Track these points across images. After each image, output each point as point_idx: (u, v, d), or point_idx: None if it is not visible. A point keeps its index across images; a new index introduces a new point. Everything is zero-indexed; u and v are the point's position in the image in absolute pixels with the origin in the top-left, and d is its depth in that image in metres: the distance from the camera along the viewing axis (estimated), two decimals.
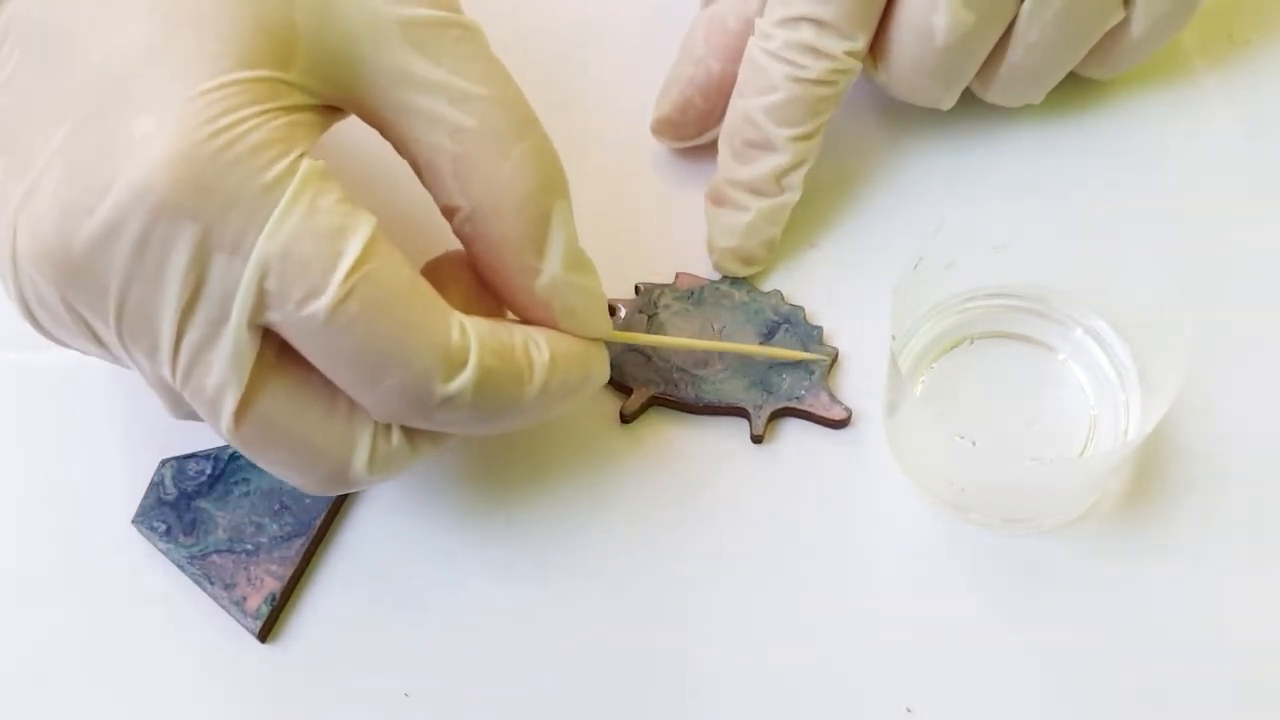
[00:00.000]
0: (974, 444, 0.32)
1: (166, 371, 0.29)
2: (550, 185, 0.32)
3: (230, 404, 0.29)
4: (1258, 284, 0.40)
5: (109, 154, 0.28)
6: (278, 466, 0.31)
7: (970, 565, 0.36)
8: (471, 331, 0.30)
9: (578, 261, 0.33)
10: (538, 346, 0.32)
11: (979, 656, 0.35)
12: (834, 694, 0.35)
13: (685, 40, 0.41)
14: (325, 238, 0.28)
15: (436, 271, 0.34)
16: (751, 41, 0.38)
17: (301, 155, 0.29)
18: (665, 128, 0.41)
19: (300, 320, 0.28)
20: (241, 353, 0.29)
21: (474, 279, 0.33)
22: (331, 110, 0.31)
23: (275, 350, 0.30)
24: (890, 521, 0.37)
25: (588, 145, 0.42)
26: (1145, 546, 0.36)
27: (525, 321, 0.33)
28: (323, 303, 0.28)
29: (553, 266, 0.32)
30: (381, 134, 0.32)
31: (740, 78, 0.39)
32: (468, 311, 0.32)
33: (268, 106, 0.29)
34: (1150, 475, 0.37)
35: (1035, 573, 0.36)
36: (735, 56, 0.39)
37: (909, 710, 0.34)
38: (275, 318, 0.29)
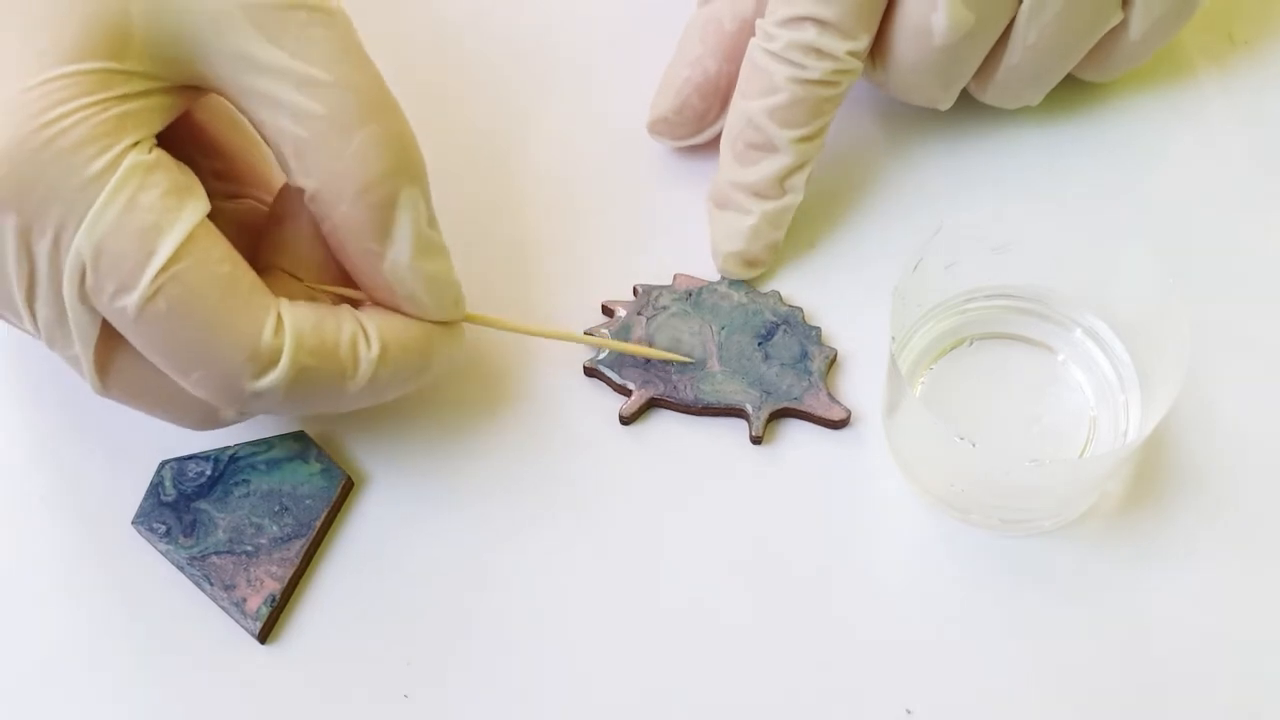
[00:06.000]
0: (974, 444, 0.32)
1: (36, 337, 0.31)
2: (398, 170, 0.32)
3: (89, 369, 0.32)
4: (1257, 284, 0.40)
5: None
6: (153, 415, 0.33)
7: (970, 565, 0.36)
8: (289, 328, 0.31)
9: (425, 248, 0.33)
10: (367, 341, 0.32)
11: (979, 656, 0.35)
12: (834, 694, 0.35)
13: (681, 40, 0.41)
14: (138, 235, 0.29)
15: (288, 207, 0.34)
16: (753, 43, 0.38)
17: (132, 146, 0.30)
18: (662, 127, 0.41)
19: (114, 312, 0.30)
20: (85, 329, 0.31)
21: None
22: (190, 90, 0.32)
23: None
24: (890, 521, 0.37)
25: (587, 145, 0.43)
26: (1145, 547, 0.36)
27: (374, 300, 0.33)
28: (132, 299, 0.30)
29: (395, 252, 0.32)
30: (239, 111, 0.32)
31: (741, 79, 0.39)
32: (322, 273, 0.33)
33: (97, 98, 0.30)
34: (1150, 476, 0.37)
35: (1035, 573, 0.36)
36: (732, 56, 0.39)
37: (909, 710, 0.34)
38: (96, 306, 0.30)
